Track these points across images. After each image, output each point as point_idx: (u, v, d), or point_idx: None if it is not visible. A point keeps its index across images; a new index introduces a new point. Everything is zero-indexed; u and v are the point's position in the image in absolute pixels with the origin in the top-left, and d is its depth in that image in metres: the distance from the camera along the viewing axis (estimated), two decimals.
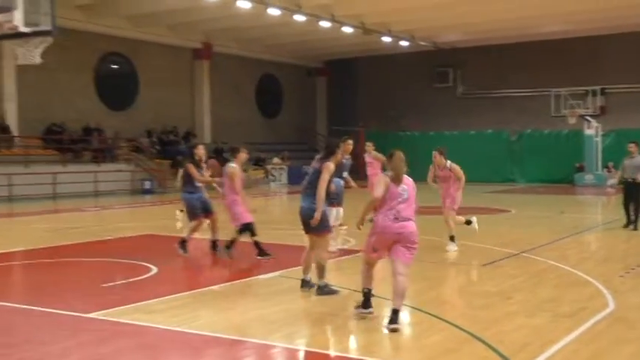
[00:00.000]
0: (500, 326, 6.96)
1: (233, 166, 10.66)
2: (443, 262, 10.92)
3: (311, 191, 8.25)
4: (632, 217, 14.72)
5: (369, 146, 16.22)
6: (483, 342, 6.32)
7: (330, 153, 8.38)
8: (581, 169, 31.77)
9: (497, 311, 7.59)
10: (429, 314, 7.36)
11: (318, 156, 8.59)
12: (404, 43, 33.80)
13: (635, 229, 14.55)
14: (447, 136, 34.90)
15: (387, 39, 32.40)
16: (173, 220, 16.39)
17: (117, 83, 31.31)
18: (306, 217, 8.26)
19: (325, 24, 28.80)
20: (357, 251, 11.67)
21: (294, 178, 30.35)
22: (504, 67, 35.16)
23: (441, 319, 7.16)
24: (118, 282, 9.47)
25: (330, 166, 8.27)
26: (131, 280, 9.51)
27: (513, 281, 9.33)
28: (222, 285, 8.99)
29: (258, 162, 33.14)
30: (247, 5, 25.42)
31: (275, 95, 39.57)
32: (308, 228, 8.30)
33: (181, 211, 16.58)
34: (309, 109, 41.37)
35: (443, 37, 33.90)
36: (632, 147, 14.79)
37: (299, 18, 27.45)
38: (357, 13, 28.48)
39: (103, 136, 29.28)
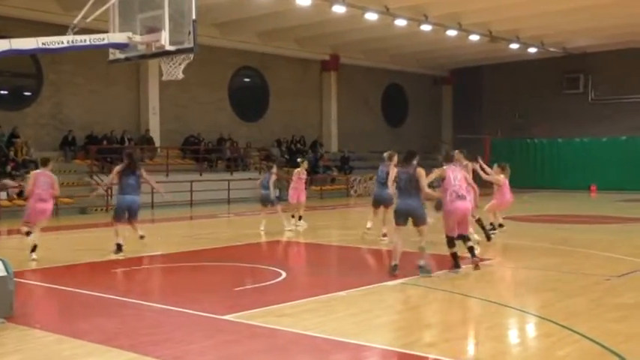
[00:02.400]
0: (639, 340, 6.55)
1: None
2: (575, 272, 10.42)
3: (415, 191, 9.75)
4: None
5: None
6: (619, 356, 5.95)
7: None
8: None
9: (634, 325, 7.15)
10: (560, 325, 7.03)
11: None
12: (532, 50, 32.79)
13: None
14: (576, 143, 33.48)
15: (514, 46, 31.55)
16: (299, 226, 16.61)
17: (249, 96, 32.32)
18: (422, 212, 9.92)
19: (452, 33, 28.41)
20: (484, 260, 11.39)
21: None
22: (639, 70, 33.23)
23: (573, 331, 6.81)
24: (250, 286, 9.72)
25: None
26: (262, 284, 9.73)
27: None
28: (348, 291, 9.00)
29: None
30: (374, 17, 25.48)
31: (401, 104, 39.39)
32: (421, 221, 9.87)
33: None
34: (434, 117, 40.92)
35: (573, 42, 32.48)
36: None
37: (425, 28, 27.19)
38: (485, 21, 27.84)
39: (235, 146, 30.28)
